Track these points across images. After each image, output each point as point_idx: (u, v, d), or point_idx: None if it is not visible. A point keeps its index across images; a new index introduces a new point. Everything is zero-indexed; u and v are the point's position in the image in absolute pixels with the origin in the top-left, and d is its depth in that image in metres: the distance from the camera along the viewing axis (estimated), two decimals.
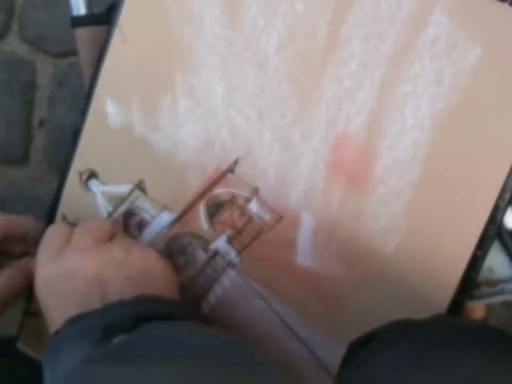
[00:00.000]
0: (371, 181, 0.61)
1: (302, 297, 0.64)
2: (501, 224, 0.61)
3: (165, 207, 0.67)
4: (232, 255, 0.66)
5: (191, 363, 0.46)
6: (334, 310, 0.63)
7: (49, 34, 0.91)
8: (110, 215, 0.68)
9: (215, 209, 0.66)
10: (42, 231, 0.64)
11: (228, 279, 0.66)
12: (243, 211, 0.65)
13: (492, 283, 0.65)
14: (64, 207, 0.70)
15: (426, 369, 0.48)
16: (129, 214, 0.68)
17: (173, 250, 0.67)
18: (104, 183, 0.68)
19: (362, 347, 0.55)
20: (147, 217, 0.67)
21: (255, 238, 0.65)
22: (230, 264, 0.66)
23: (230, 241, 0.66)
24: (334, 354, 0.63)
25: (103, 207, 0.68)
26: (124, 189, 0.68)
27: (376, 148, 0.61)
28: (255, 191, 0.64)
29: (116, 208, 0.68)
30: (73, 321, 0.54)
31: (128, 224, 0.68)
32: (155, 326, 0.51)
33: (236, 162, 0.64)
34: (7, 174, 0.78)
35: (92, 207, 0.69)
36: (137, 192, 0.67)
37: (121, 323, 0.52)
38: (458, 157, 0.59)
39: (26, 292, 0.68)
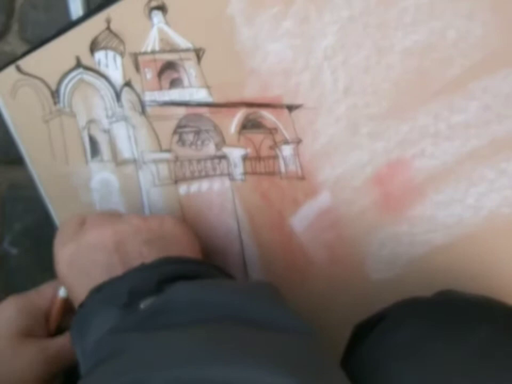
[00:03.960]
0: (400, 215, 0.63)
1: (273, 251, 0.68)
2: None
3: (208, 87, 0.66)
4: (238, 170, 0.67)
5: (220, 325, 0.47)
6: (291, 285, 0.68)
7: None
8: (153, 52, 0.67)
9: (251, 124, 0.66)
10: None
11: (220, 185, 0.68)
12: (274, 146, 0.65)
13: None
14: (116, 12, 0.67)
15: (436, 346, 0.52)
16: (170, 65, 0.67)
17: (189, 124, 0.68)
18: (167, 23, 0.66)
19: (371, 329, 0.59)
20: (185, 81, 0.66)
21: (268, 174, 0.66)
22: (230, 176, 0.68)
23: (244, 158, 0.67)
24: None
25: (152, 41, 0.66)
26: (181, 42, 0.66)
27: (425, 194, 0.62)
28: (298, 140, 0.64)
29: (162, 51, 0.66)
30: (97, 290, 0.55)
31: (163, 73, 0.68)
32: (180, 287, 0.52)
33: (298, 106, 0.64)
34: (7, 174, 0.74)
35: (140, 34, 0.67)
36: (191, 55, 0.65)
37: (145, 286, 0.53)
38: (488, 257, 0.62)
39: None
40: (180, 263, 0.56)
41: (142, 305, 0.52)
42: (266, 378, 0.40)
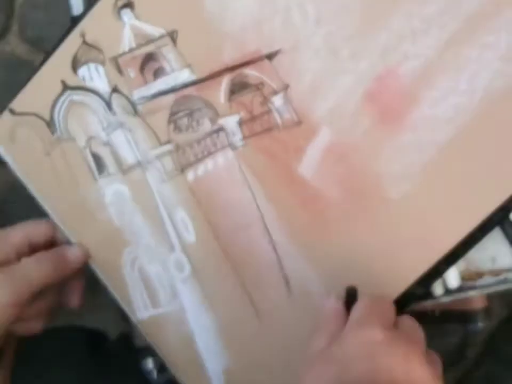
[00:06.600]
0: (401, 124, 0.66)
1: (290, 205, 0.70)
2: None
3: (189, 66, 0.72)
4: (237, 137, 0.71)
5: None
6: (317, 233, 0.70)
7: (49, 34, 0.94)
8: (131, 50, 0.73)
9: (238, 87, 0.71)
10: None
11: (224, 158, 0.72)
12: (265, 101, 0.70)
13: (495, 273, 0.72)
14: (88, 24, 0.74)
15: None
16: (150, 57, 0.72)
17: (180, 109, 0.72)
18: (137, 18, 0.73)
19: None
20: (167, 67, 0.72)
21: (266, 131, 0.70)
22: (231, 145, 0.72)
23: (240, 123, 0.71)
24: (299, 271, 0.71)
25: (127, 40, 0.72)
26: (154, 31, 0.72)
27: (419, 96, 0.66)
28: (285, 87, 0.69)
29: (139, 46, 0.72)
30: None
31: (144, 67, 0.73)
32: None
33: (277, 52, 0.69)
34: (7, 174, 0.81)
35: (115, 37, 0.73)
36: (167, 40, 0.71)
37: None
38: (493, 137, 0.65)
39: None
40: None
41: None
42: None
